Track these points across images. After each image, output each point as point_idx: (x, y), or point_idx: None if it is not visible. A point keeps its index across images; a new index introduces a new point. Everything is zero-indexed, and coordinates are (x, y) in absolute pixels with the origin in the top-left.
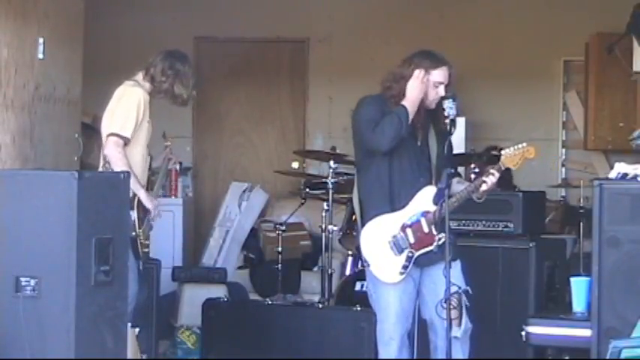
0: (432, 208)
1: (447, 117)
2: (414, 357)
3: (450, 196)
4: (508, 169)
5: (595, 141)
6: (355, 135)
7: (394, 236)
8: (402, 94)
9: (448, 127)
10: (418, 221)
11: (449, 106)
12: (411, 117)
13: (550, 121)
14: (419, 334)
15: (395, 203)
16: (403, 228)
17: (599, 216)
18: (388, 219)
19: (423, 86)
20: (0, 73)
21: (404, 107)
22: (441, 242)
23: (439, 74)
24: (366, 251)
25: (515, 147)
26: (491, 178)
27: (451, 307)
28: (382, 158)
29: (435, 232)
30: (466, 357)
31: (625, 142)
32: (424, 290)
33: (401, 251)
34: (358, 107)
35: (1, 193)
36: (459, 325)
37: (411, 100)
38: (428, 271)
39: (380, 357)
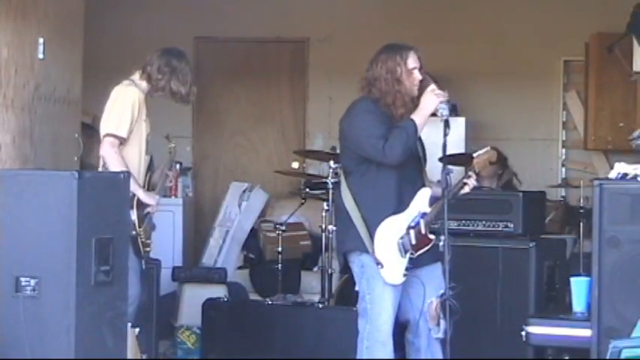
0: (428, 209)
1: (440, 116)
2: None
3: (437, 199)
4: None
5: (595, 141)
6: (348, 141)
7: (402, 237)
8: (386, 95)
9: (443, 128)
10: (418, 223)
11: (441, 107)
12: (420, 129)
13: (550, 121)
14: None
15: (400, 205)
16: (408, 229)
17: (599, 216)
18: (397, 220)
19: (437, 100)
20: (0, 73)
21: (412, 122)
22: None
23: (411, 60)
24: (379, 252)
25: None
26: (472, 181)
27: (438, 308)
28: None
29: (429, 234)
30: (447, 357)
31: (625, 142)
32: (411, 291)
33: (405, 253)
34: (352, 115)
35: (1, 193)
36: (438, 325)
37: (422, 114)
38: (416, 272)
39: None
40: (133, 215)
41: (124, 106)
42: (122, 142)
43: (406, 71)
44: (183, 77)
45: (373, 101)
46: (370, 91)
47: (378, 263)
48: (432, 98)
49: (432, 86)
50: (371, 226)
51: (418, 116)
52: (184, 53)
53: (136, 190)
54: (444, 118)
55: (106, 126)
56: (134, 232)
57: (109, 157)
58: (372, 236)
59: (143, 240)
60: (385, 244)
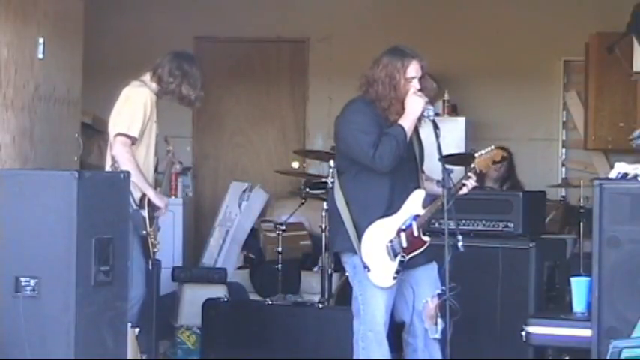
0: (422, 211)
1: (426, 117)
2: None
3: (435, 199)
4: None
5: (595, 141)
6: (342, 142)
7: (391, 241)
8: (382, 98)
9: (433, 129)
10: (410, 225)
11: (427, 108)
12: (409, 133)
13: (550, 121)
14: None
15: (391, 208)
16: (398, 232)
17: (599, 216)
18: (386, 223)
19: (422, 101)
20: (0, 73)
21: (401, 128)
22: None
23: (411, 69)
24: (366, 256)
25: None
26: (471, 182)
27: (437, 309)
28: None
29: (423, 236)
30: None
31: (625, 142)
32: (405, 292)
33: (395, 256)
34: (346, 115)
35: (1, 193)
36: (436, 324)
37: (410, 119)
38: (409, 272)
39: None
40: (144, 215)
41: (136, 107)
42: (134, 142)
43: (404, 79)
44: (194, 82)
45: (369, 101)
46: (367, 91)
47: (365, 267)
48: (417, 100)
49: (413, 88)
50: (359, 228)
51: (406, 121)
52: (195, 57)
53: (147, 190)
54: (431, 119)
55: (117, 126)
56: (144, 232)
57: (121, 157)
58: (360, 238)
59: (152, 240)
60: (372, 248)
